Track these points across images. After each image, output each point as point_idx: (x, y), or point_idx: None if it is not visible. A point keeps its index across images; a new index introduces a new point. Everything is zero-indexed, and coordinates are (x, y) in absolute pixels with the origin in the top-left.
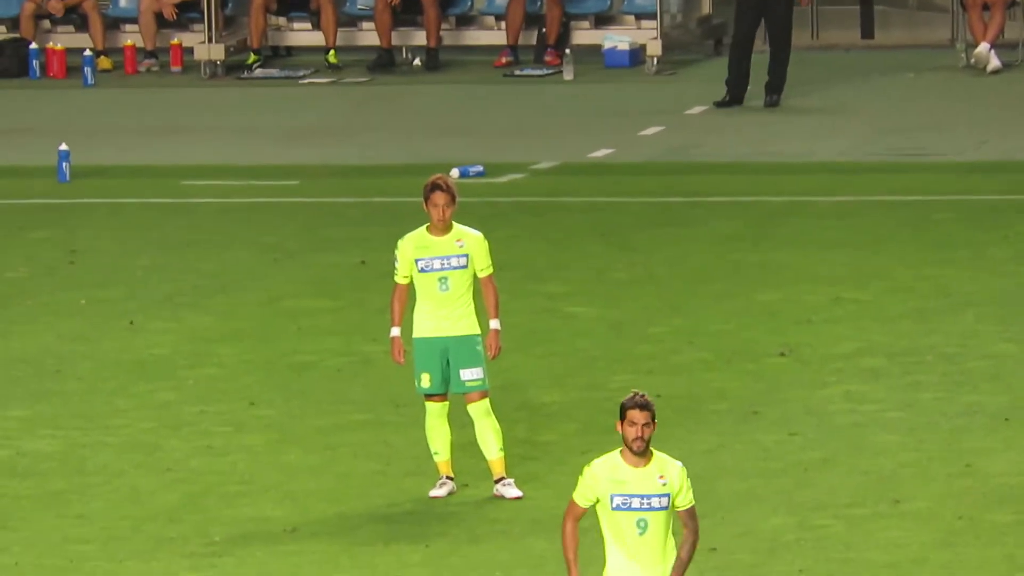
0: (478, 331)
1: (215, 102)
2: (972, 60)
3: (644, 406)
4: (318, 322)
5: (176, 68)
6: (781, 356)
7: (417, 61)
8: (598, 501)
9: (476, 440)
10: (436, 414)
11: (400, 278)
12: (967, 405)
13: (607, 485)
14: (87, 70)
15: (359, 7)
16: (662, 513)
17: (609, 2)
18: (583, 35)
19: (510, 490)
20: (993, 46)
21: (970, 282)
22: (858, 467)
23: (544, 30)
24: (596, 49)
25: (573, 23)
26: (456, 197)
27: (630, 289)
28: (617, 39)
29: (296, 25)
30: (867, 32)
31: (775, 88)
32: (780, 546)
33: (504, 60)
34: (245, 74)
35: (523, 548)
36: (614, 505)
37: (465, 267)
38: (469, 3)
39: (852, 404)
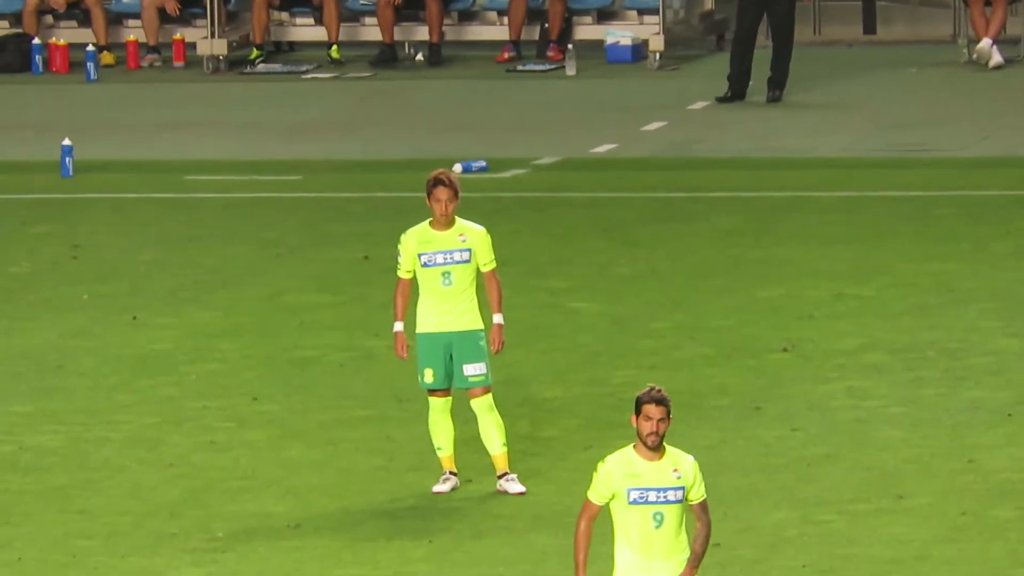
0: (481, 326)
1: (217, 97)
2: (974, 56)
3: (660, 401)
4: (320, 317)
5: (179, 63)
6: (783, 352)
7: (419, 56)
8: (613, 497)
9: (479, 435)
10: (439, 409)
11: (403, 273)
12: (969, 401)
13: (623, 480)
14: (90, 65)
15: (361, 2)
16: (677, 506)
17: None
18: (585, 30)
19: (513, 485)
20: (995, 42)
21: (972, 277)
22: (861, 463)
23: (546, 25)
24: (598, 44)
25: (575, 18)
26: (459, 192)
27: (632, 284)
28: (619, 34)
29: (299, 20)
30: (869, 28)
31: (777, 84)
32: (782, 541)
33: (506, 55)
34: (248, 69)
35: (526, 543)
36: (631, 499)
37: (468, 262)
38: None
39: (854, 400)
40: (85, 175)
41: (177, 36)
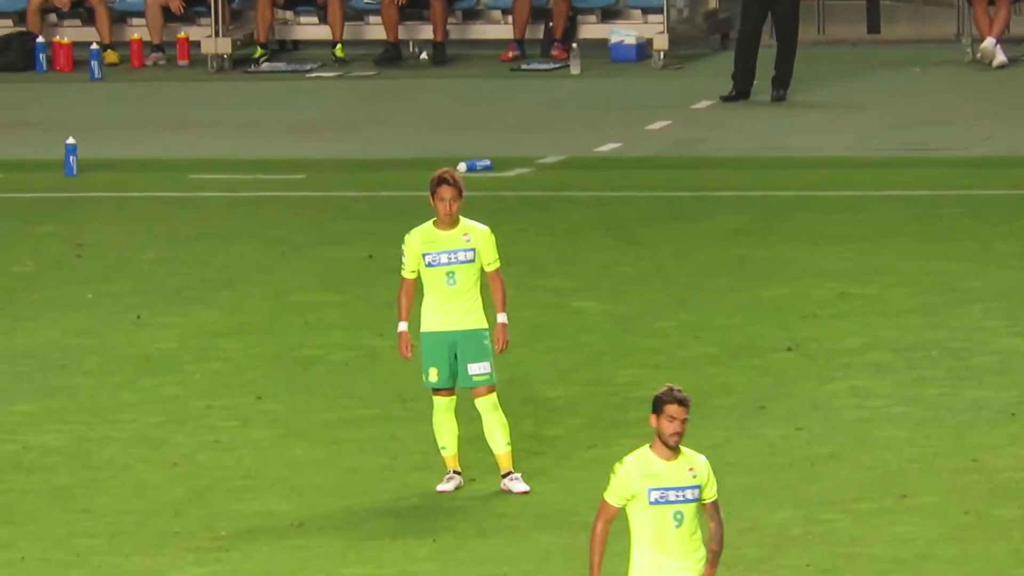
0: (486, 325)
1: (222, 96)
2: (978, 55)
3: (683, 401)
4: (325, 316)
5: (183, 62)
6: (787, 351)
7: (424, 55)
8: (632, 498)
9: (483, 434)
10: (443, 408)
11: (407, 273)
12: (973, 400)
13: (642, 480)
14: (94, 64)
15: (366, 1)
16: (693, 505)
17: None
18: (590, 29)
19: (517, 484)
20: (999, 41)
21: (976, 277)
22: (864, 462)
23: (551, 24)
24: (603, 43)
25: (580, 17)
26: (463, 191)
27: (636, 284)
28: (624, 33)
29: (303, 19)
30: (873, 27)
31: (781, 83)
32: (786, 540)
33: (511, 54)
34: (252, 68)
35: (530, 542)
36: (652, 500)
37: (472, 261)
38: None
39: (858, 399)
40: (89, 174)
41: (181, 35)
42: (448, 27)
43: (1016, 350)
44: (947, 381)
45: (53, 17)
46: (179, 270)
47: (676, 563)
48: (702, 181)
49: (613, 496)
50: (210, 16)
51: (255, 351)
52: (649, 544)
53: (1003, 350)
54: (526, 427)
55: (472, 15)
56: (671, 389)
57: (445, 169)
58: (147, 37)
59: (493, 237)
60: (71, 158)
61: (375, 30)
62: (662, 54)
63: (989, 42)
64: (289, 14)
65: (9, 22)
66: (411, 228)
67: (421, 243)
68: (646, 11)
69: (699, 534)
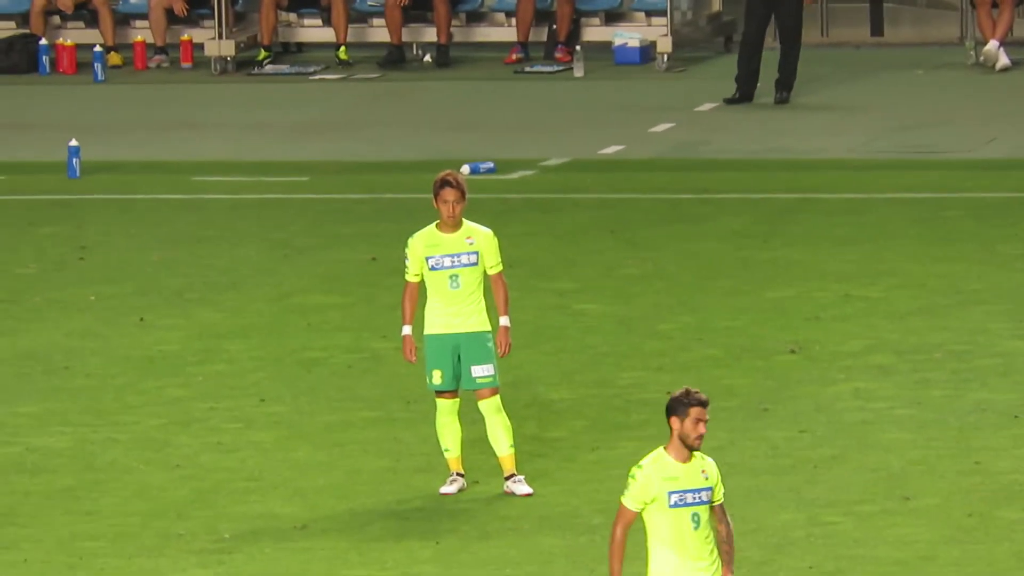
0: (489, 327)
1: (225, 98)
2: (981, 58)
3: (706, 402)
4: (328, 318)
5: (186, 64)
6: (791, 353)
7: (427, 57)
8: (652, 501)
9: (486, 436)
10: (447, 411)
11: (411, 276)
12: (976, 402)
13: (661, 484)
14: (97, 66)
15: (369, 3)
16: (707, 507)
17: None
18: (593, 32)
19: (520, 487)
20: (1002, 44)
21: (980, 279)
22: (867, 464)
23: (554, 27)
24: (606, 46)
25: (583, 20)
26: (466, 193)
27: (639, 286)
28: (627, 36)
29: (307, 21)
30: (876, 29)
31: (785, 85)
32: (789, 542)
33: (514, 57)
34: (255, 70)
35: (533, 545)
36: (672, 503)
37: (475, 264)
38: (479, 0)
39: (861, 401)
40: (92, 176)
41: (185, 37)
42: (452, 29)
43: (1020, 352)
44: (950, 383)
45: (56, 19)
46: (182, 272)
47: (695, 564)
48: (705, 183)
49: (632, 500)
50: (214, 18)
51: (258, 353)
52: (669, 547)
53: (1007, 352)
54: (529, 429)
55: (476, 17)
56: (690, 391)
57: (448, 171)
58: (150, 39)
59: (496, 240)
60: (74, 160)
61: (379, 32)
62: (666, 56)
63: (992, 45)
64: (293, 16)
65: (12, 24)
66: (415, 231)
67: (424, 246)
68: (650, 14)
69: (712, 535)
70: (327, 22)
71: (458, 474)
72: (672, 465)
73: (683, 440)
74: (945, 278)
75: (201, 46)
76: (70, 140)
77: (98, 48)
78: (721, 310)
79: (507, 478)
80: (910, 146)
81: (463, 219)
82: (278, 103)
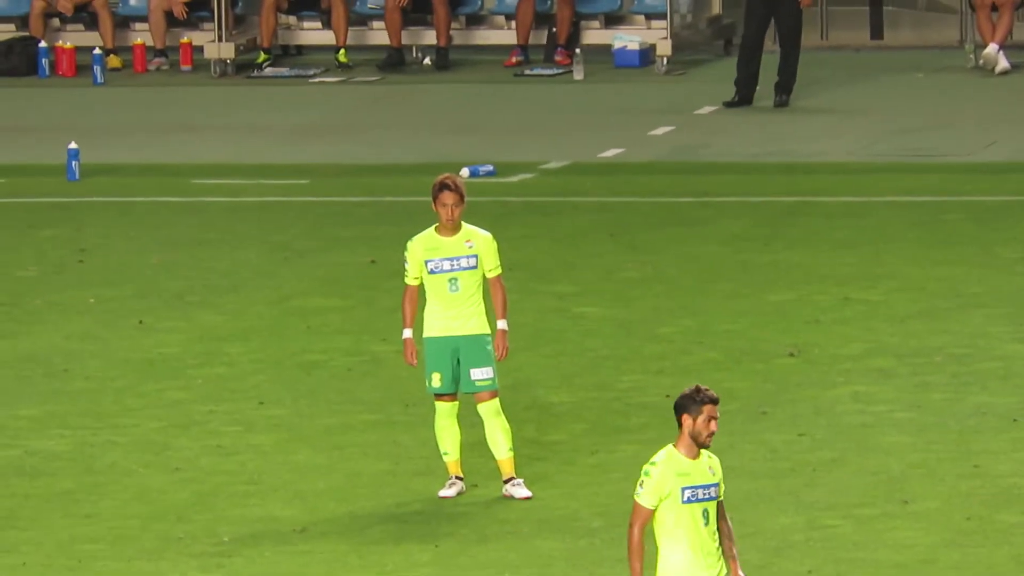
0: (488, 331)
1: (225, 101)
2: (981, 61)
3: (717, 400)
4: (328, 321)
5: (186, 67)
6: (790, 356)
7: (427, 60)
8: (667, 497)
9: (485, 440)
10: (446, 414)
11: (411, 280)
12: (976, 406)
13: (675, 480)
14: (97, 69)
15: (369, 6)
16: (715, 503)
17: (619, 2)
18: (593, 35)
19: (519, 490)
20: (1002, 47)
21: (979, 282)
22: (867, 467)
23: (554, 30)
24: (606, 49)
25: (583, 23)
26: (465, 196)
27: (639, 289)
28: (627, 39)
29: (306, 24)
30: (876, 32)
31: (784, 88)
32: (788, 546)
33: (514, 59)
34: (255, 73)
35: (532, 548)
36: (685, 499)
37: (475, 268)
38: (479, 2)
39: (861, 405)
40: (92, 179)
41: (184, 40)
42: (451, 32)
43: (1019, 356)
44: (950, 387)
45: (56, 22)
46: (182, 275)
47: (705, 561)
48: (705, 186)
49: (648, 497)
50: (213, 21)
51: (258, 356)
52: (680, 543)
53: (1006, 356)
54: (528, 432)
55: (476, 20)
56: (701, 389)
57: (447, 175)
58: (150, 42)
59: (495, 243)
60: (74, 163)
61: (378, 35)
62: (665, 60)
63: (992, 48)
64: (292, 19)
65: (12, 27)
66: (414, 233)
67: (424, 250)
68: (649, 17)
69: (716, 532)
70: (327, 25)
71: (457, 477)
72: (683, 461)
73: (694, 438)
74: (945, 281)
75: (201, 49)
76: (70, 143)
77: (98, 51)
78: (721, 313)
79: (506, 481)
80: (910, 149)
81: (462, 222)
82: (278, 106)
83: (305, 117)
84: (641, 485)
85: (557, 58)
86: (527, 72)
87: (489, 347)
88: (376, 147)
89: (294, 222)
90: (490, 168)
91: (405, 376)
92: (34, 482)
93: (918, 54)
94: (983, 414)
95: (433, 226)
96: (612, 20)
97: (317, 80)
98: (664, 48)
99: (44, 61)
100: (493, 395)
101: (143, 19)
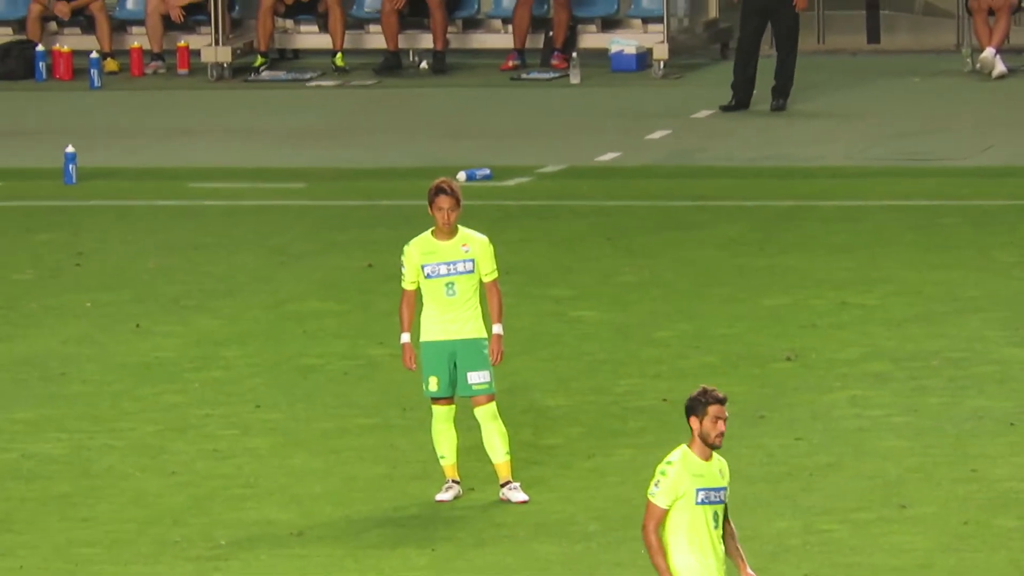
0: (485, 335)
1: (222, 104)
2: (978, 65)
3: (723, 400)
4: (324, 325)
5: (183, 70)
6: (787, 360)
7: (424, 64)
8: (680, 497)
9: (482, 443)
10: (443, 418)
11: (408, 284)
12: (973, 410)
13: (690, 481)
14: (93, 72)
15: (366, 10)
16: (724, 506)
17: (616, 6)
18: (590, 39)
19: (516, 494)
20: (998, 51)
21: (976, 286)
22: (864, 472)
23: (551, 34)
24: (603, 53)
25: (580, 27)
26: (461, 200)
27: (636, 293)
28: (624, 43)
29: (303, 28)
30: (873, 37)
31: (781, 92)
32: (785, 550)
33: (511, 63)
34: (252, 76)
35: (529, 552)
36: (699, 500)
37: (471, 272)
38: (476, 6)
39: (858, 409)
40: (89, 182)
41: (181, 43)
42: (448, 36)
43: (1016, 360)
44: (947, 391)
45: (53, 25)
46: (179, 279)
47: (713, 563)
48: (702, 190)
49: (664, 497)
50: (210, 25)
51: (254, 360)
52: (690, 545)
53: (1003, 360)
54: (525, 436)
55: (472, 24)
56: (707, 390)
57: (443, 179)
58: (147, 46)
59: (491, 247)
60: (70, 166)
61: (375, 39)
62: (662, 64)
63: (989, 52)
64: (289, 23)
65: (9, 30)
66: (411, 237)
67: (420, 254)
68: (646, 21)
69: (722, 535)
70: (324, 28)
71: (454, 481)
72: (697, 463)
73: (704, 439)
74: (942, 285)
75: (198, 52)
76: (66, 146)
77: (95, 54)
78: (718, 317)
79: (503, 485)
80: (907, 153)
81: (458, 226)
82: (275, 109)
83: (302, 121)
84: (656, 485)
85: (554, 62)
86: (524, 76)
87: (486, 351)
88: (373, 151)
89: (291, 226)
90: (487, 172)
91: (402, 380)
92: (30, 485)
93: (915, 58)
94: (980, 418)
95: (429, 230)
96: (609, 24)
97: (314, 84)
98: (661, 52)
99: (41, 65)
100: (490, 399)
101: (140, 23)
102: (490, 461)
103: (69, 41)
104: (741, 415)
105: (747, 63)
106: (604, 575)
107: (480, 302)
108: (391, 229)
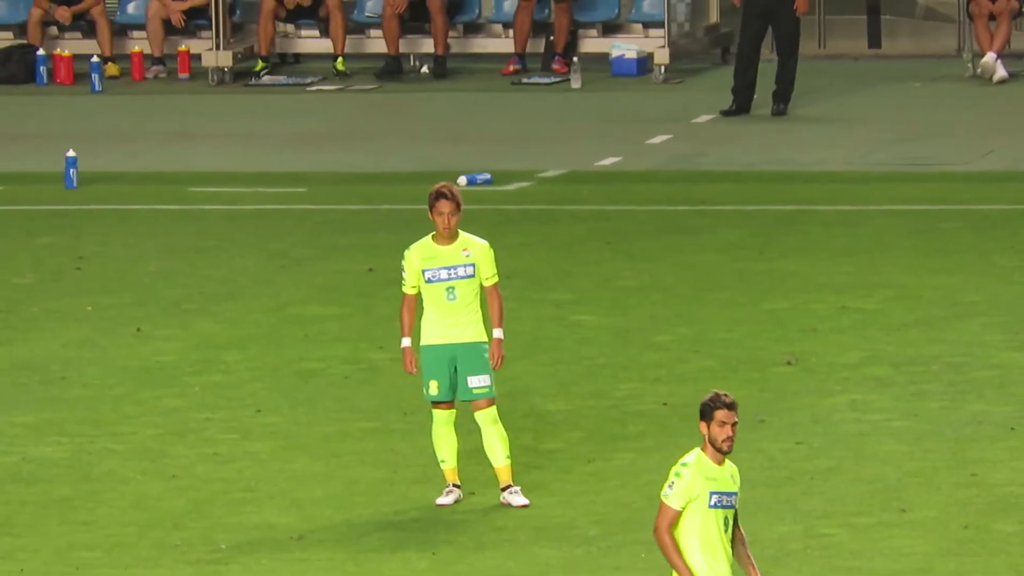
0: (485, 339)
1: (223, 109)
2: (978, 70)
3: (732, 405)
4: (325, 329)
5: (184, 75)
6: (787, 365)
7: (425, 69)
8: (693, 500)
9: (483, 447)
10: (443, 422)
11: (408, 288)
12: (973, 414)
13: (704, 483)
14: (94, 76)
15: (367, 15)
16: (734, 511)
17: (617, 10)
18: (591, 43)
19: (516, 498)
20: (999, 56)
21: (976, 291)
22: (864, 476)
23: (552, 38)
24: (604, 57)
25: (581, 31)
26: (461, 205)
27: (636, 297)
28: (624, 47)
29: (304, 32)
30: (874, 41)
31: (782, 97)
32: (786, 554)
33: (512, 68)
34: (253, 81)
35: (529, 556)
36: (712, 503)
37: (472, 276)
38: (477, 11)
39: (858, 413)
40: (89, 186)
41: (182, 48)
42: (449, 41)
43: (1016, 364)
44: (947, 395)
45: (54, 30)
46: (179, 282)
47: (725, 567)
48: (702, 195)
49: (678, 499)
50: (211, 29)
51: (255, 364)
52: (702, 547)
53: (1003, 364)
54: (525, 440)
55: (473, 29)
56: (718, 395)
57: (443, 183)
58: (148, 50)
59: (492, 252)
60: (71, 170)
61: (376, 43)
62: (663, 68)
63: (990, 57)
64: (290, 27)
65: (10, 34)
66: (411, 241)
67: (421, 259)
68: (647, 25)
69: (731, 540)
70: (324, 33)
71: (454, 485)
72: (711, 466)
73: (712, 444)
74: (942, 290)
75: (199, 57)
76: (67, 150)
77: (95, 59)
78: (718, 322)
79: (503, 489)
80: (907, 158)
81: (459, 230)
82: (275, 114)
83: (303, 125)
84: (670, 486)
85: (554, 66)
86: (524, 80)
87: (486, 355)
88: (374, 155)
89: (292, 230)
90: (487, 176)
91: (402, 384)
92: (31, 489)
93: (916, 63)
94: (980, 422)
95: (430, 235)
96: (609, 28)
97: (315, 88)
98: (661, 57)
99: (42, 69)
100: (490, 403)
101: (141, 27)
102: (490, 465)
103: (70, 45)
104: (741, 419)
105: (748, 68)
106: (621, 574)
107: (480, 306)
108: (392, 233)
